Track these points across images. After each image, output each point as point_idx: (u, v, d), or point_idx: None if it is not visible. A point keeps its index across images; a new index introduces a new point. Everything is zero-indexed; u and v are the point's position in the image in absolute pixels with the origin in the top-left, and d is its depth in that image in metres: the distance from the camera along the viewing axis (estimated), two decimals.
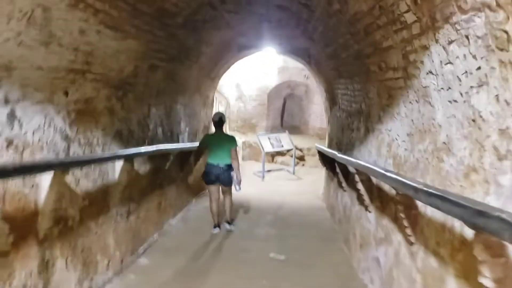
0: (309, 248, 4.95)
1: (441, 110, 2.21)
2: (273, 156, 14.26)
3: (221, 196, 5.61)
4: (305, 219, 6.48)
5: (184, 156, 6.34)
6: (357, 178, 3.83)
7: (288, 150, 13.59)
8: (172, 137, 5.74)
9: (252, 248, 4.86)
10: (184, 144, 6.20)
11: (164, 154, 5.26)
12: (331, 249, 4.92)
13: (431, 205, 1.94)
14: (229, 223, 5.63)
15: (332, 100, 6.71)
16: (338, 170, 5.13)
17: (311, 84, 15.14)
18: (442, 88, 2.17)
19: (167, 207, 5.58)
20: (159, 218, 5.24)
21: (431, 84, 2.32)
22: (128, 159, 3.95)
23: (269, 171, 12.73)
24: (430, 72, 2.30)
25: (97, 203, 3.43)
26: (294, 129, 15.85)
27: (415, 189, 2.09)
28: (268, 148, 12.66)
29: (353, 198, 4.56)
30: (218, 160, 5.29)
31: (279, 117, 16.46)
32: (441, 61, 2.13)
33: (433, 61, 2.23)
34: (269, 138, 12.88)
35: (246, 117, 15.17)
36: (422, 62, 2.39)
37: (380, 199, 3.46)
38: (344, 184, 5.02)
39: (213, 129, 5.92)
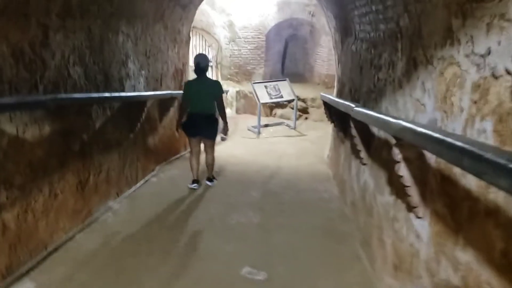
0: (307, 253, 3.22)
1: None
2: (271, 108, 12.38)
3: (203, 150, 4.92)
4: (304, 196, 4.74)
5: (137, 109, 4.53)
6: (396, 152, 2.01)
7: (289, 101, 11.70)
8: (108, 83, 3.88)
9: (218, 256, 3.14)
10: (130, 94, 4.35)
11: (85, 107, 3.44)
12: (341, 256, 3.19)
13: None
14: (211, 179, 5.04)
15: (344, 29, 4.75)
16: (354, 131, 3.31)
17: (317, 23, 12.93)
18: None
19: (100, 185, 3.84)
20: (81, 204, 3.51)
21: None
22: None
23: (266, 125, 10.94)
24: None
25: None
26: (297, 77, 13.83)
27: None
28: (264, 98, 10.77)
29: (381, 180, 2.77)
30: (200, 109, 4.65)
31: (279, 63, 14.36)
32: None
33: None
34: (265, 87, 10.95)
35: (241, 63, 13.11)
36: None
37: (454, 205, 1.68)
38: (364, 154, 3.22)
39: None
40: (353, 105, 3.12)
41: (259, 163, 6.61)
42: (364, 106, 3.15)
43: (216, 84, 4.82)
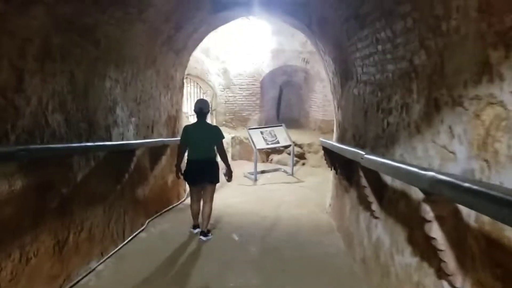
0: None
1: None
2: (268, 154, 12.11)
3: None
4: (307, 251, 4.32)
5: (126, 159, 4.20)
6: (427, 210, 1.68)
7: (286, 147, 11.45)
8: (93, 131, 3.58)
9: None
10: (116, 143, 4.04)
11: (65, 158, 3.11)
12: None
13: None
14: (205, 234, 4.62)
15: (344, 72, 4.55)
16: (363, 181, 2.98)
17: (312, 70, 12.98)
18: None
19: (82, 245, 3.43)
20: (59, 268, 3.08)
21: None
22: None
23: (262, 172, 10.61)
24: None
25: None
26: (293, 122, 13.69)
27: None
28: (261, 144, 10.52)
29: (399, 237, 2.41)
30: (200, 155, 4.55)
31: (274, 109, 14.26)
32: None
33: None
34: (261, 133, 10.73)
35: (236, 109, 12.98)
36: None
37: (509, 277, 1.33)
38: (376, 207, 2.87)
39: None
40: (362, 152, 2.82)
41: (257, 212, 6.21)
42: (372, 153, 2.85)
43: (216, 129, 4.70)
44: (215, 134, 4.59)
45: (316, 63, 12.80)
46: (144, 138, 4.97)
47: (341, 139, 4.88)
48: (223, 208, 6.08)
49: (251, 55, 12.50)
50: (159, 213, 5.47)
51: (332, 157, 5.21)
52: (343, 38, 4.15)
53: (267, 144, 10.62)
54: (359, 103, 3.91)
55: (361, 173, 2.99)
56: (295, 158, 11.40)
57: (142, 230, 4.77)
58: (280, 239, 4.75)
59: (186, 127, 4.70)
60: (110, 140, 3.92)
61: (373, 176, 2.86)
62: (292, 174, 10.69)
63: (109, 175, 3.94)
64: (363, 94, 3.75)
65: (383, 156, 2.64)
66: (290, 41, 12.39)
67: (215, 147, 4.60)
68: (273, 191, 8.65)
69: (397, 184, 2.51)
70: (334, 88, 5.34)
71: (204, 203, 4.67)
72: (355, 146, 3.92)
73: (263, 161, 11.96)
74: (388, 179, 2.72)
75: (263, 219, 5.74)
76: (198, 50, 11.78)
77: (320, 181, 10.21)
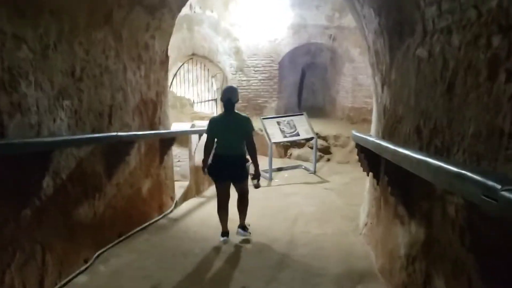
0: None
1: None
2: (286, 148, 10.42)
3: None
4: None
5: (39, 166, 2.61)
6: None
7: (307, 140, 9.74)
8: None
9: None
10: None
11: None
12: None
13: None
14: (244, 228, 4.33)
15: (398, 26, 2.80)
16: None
17: (340, 48, 11.13)
18: None
19: None
20: None
21: None
22: None
23: (279, 169, 8.95)
24: None
25: None
26: (316, 111, 11.93)
27: None
28: (277, 137, 8.83)
29: None
30: (227, 149, 4.16)
31: (295, 95, 12.49)
32: None
33: None
34: (278, 123, 9.02)
35: (250, 96, 11.27)
36: None
37: None
38: None
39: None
40: (497, 186, 1.08)
41: (264, 232, 4.55)
42: (465, 163, 1.16)
43: (246, 120, 4.24)
44: (244, 126, 4.18)
45: (345, 40, 10.94)
46: (93, 131, 3.37)
47: (388, 134, 3.13)
48: (215, 224, 4.43)
49: (268, 31, 10.74)
50: (123, 237, 3.88)
51: (372, 160, 3.50)
52: None
53: (285, 136, 8.92)
54: (430, 72, 2.17)
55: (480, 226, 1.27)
56: (319, 153, 9.68)
57: (84, 270, 3.18)
58: (293, 283, 3.08)
59: (213, 118, 4.40)
60: (2, 136, 2.32)
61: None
62: (314, 172, 9.00)
63: (2, 195, 2.36)
64: (440, 54, 2.01)
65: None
66: (314, 14, 10.58)
67: (244, 141, 4.19)
68: (289, 195, 6.98)
69: None
70: (376, 57, 3.57)
71: (238, 196, 4.32)
72: (424, 146, 2.20)
73: (281, 156, 10.27)
74: None
75: (272, 246, 4.07)
76: (206, 25, 10.09)
77: (348, 181, 8.47)
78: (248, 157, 4.27)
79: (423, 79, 2.29)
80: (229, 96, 4.22)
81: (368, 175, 4.32)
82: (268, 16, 10.44)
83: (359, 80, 11.07)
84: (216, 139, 4.22)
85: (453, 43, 1.88)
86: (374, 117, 4.23)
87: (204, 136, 7.13)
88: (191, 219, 5.02)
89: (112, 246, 3.66)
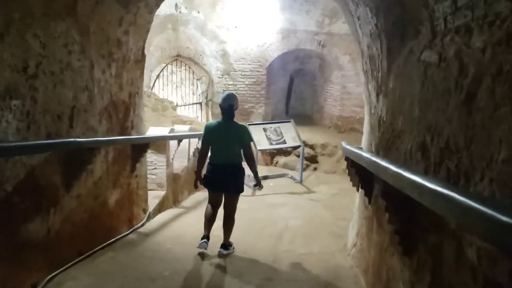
0: None
1: None
2: (272, 155, 10.06)
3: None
4: None
5: None
6: None
7: (294, 148, 9.42)
8: None
9: None
10: None
11: None
12: None
13: None
14: (226, 247, 4.00)
15: (398, 27, 2.45)
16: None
17: (329, 55, 10.84)
18: None
19: None
20: None
21: None
22: None
23: (265, 177, 8.56)
24: None
25: None
26: (304, 119, 11.63)
27: None
28: (263, 144, 8.48)
29: None
30: (223, 158, 4.03)
31: (283, 102, 12.17)
32: None
33: None
34: (264, 130, 8.67)
35: None
36: None
37: None
38: None
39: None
40: None
41: (247, 250, 4.15)
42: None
43: (242, 129, 4.16)
44: (241, 135, 4.10)
45: (334, 47, 10.66)
46: (50, 137, 2.94)
47: (384, 149, 2.77)
48: (191, 240, 4.02)
49: (257, 35, 10.40)
50: (83, 256, 3.44)
51: (363, 176, 3.15)
52: None
53: (271, 144, 8.57)
54: (441, 79, 1.82)
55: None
56: (305, 162, 9.35)
57: None
58: None
59: (209, 125, 4.21)
60: None
61: None
62: (300, 182, 8.67)
63: None
64: (456, 58, 1.66)
65: None
66: (303, 19, 10.28)
67: (241, 151, 4.11)
68: (275, 207, 6.61)
69: None
70: (371, 63, 3.22)
71: (225, 213, 4.10)
72: (432, 170, 1.84)
73: (267, 164, 9.91)
74: None
75: (252, 270, 3.67)
76: (191, 25, 9.70)
77: (335, 192, 8.14)
78: (243, 165, 4.15)
79: (431, 88, 1.94)
80: (231, 103, 4.07)
81: (358, 190, 3.98)
82: (257, 19, 10.11)
83: (347, 89, 10.81)
84: (211, 147, 4.08)
85: (473, 44, 1.53)
86: (366, 129, 3.89)
87: (184, 141, 6.86)
88: (164, 233, 4.59)
89: (69, 267, 3.22)
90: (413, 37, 2.23)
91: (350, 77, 10.63)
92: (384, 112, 2.81)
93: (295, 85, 12.28)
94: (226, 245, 4.00)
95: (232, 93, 4.34)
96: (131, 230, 4.36)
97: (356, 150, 2.97)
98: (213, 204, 4.10)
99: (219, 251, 3.91)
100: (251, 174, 4.34)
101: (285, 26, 10.39)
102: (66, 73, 3.12)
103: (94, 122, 3.60)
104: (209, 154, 4.12)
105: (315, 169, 9.79)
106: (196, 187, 4.37)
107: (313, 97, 12.23)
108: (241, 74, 10.69)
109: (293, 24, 10.41)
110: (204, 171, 4.17)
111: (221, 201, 4.13)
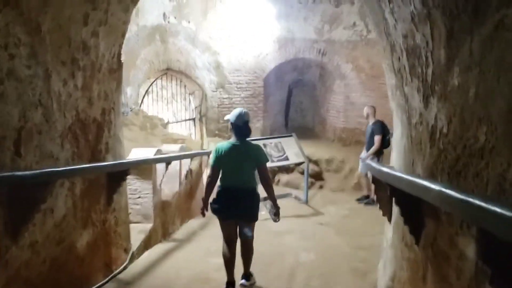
0: None
1: None
2: (273, 173, 9.25)
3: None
4: None
5: None
6: None
7: (297, 164, 8.65)
8: None
9: None
10: None
11: None
12: None
13: None
14: (248, 277, 3.78)
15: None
16: None
17: (330, 64, 10.16)
18: None
19: None
20: None
21: None
22: None
23: (265, 198, 7.71)
24: None
25: None
26: (305, 132, 10.89)
27: None
28: None
29: None
30: (235, 182, 3.68)
31: (281, 114, 11.44)
32: None
33: None
34: (264, 146, 7.85)
35: None
36: None
37: None
38: None
39: None
40: None
41: None
42: None
43: (258, 149, 3.86)
44: (256, 155, 3.79)
45: (335, 54, 9.95)
46: None
47: (448, 173, 1.97)
48: (186, 286, 3.18)
49: (252, 44, 9.71)
50: None
51: (407, 207, 2.38)
52: None
53: (272, 161, 7.76)
54: None
55: None
56: (310, 179, 8.54)
57: None
58: None
59: (220, 147, 3.81)
60: None
61: None
62: (306, 202, 7.88)
63: None
64: None
65: None
66: (302, 26, 9.62)
67: (256, 173, 3.80)
68: (281, 234, 5.80)
69: None
70: (412, 56, 2.45)
71: (241, 241, 3.79)
72: None
73: None
74: None
75: None
76: (182, 36, 8.95)
77: (346, 213, 7.35)
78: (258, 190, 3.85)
79: None
80: (246, 119, 3.70)
81: (390, 221, 3.20)
82: (252, 28, 9.42)
83: (351, 99, 10.11)
84: (222, 170, 3.74)
85: None
86: (398, 144, 3.10)
87: (175, 163, 6.05)
88: (152, 278, 3.75)
89: None
90: (505, 5, 1.46)
91: (354, 86, 9.93)
92: (442, 121, 2.02)
93: (294, 96, 11.58)
94: (247, 275, 3.80)
95: (243, 109, 3.96)
96: (108, 278, 3.51)
97: (402, 175, 2.18)
98: (229, 240, 3.74)
99: (241, 283, 3.73)
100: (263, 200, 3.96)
101: (282, 34, 9.72)
102: (7, 84, 2.33)
103: (53, 146, 2.80)
104: (219, 175, 3.78)
105: (320, 187, 9.00)
106: (203, 215, 3.96)
107: (314, 108, 11.52)
108: (236, 87, 9.95)
109: (290, 32, 9.74)
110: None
111: (236, 233, 3.76)
